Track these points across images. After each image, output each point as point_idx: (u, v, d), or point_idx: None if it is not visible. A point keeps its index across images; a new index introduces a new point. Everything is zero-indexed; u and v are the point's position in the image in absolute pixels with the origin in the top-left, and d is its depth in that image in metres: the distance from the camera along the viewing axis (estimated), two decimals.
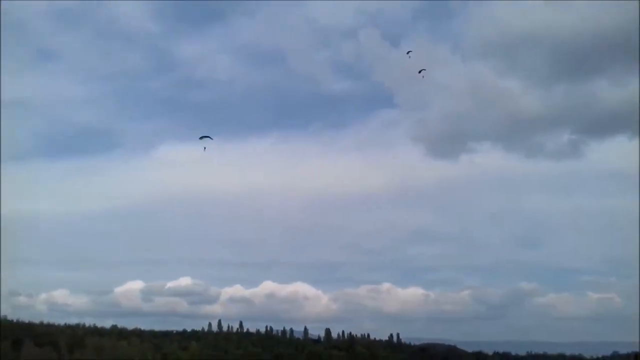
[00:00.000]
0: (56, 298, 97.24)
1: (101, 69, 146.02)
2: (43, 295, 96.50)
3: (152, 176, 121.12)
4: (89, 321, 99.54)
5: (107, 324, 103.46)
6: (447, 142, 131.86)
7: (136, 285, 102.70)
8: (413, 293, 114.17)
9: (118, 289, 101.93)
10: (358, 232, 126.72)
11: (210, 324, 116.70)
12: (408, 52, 62.53)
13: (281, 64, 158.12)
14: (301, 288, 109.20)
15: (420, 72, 61.45)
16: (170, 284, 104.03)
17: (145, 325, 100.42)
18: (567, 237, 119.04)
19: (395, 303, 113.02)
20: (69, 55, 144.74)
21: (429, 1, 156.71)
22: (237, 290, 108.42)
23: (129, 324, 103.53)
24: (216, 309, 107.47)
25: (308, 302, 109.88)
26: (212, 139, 54.28)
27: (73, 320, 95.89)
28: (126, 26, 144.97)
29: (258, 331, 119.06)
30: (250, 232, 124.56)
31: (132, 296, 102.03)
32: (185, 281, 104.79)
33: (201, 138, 54.62)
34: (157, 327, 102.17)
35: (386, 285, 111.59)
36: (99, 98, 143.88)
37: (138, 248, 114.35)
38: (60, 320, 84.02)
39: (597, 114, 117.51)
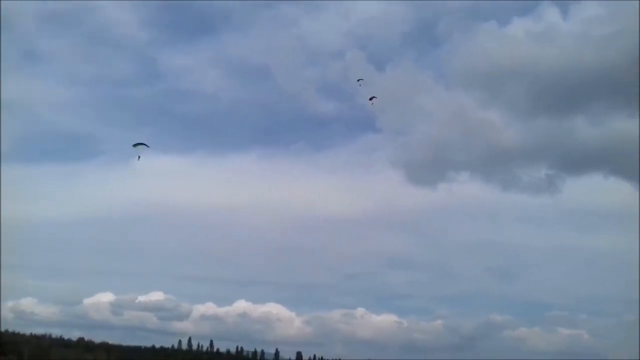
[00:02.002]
0: (23, 306, 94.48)
1: (87, 74, 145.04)
2: (10, 303, 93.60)
3: (131, 186, 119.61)
4: (55, 332, 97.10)
5: (74, 335, 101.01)
6: (427, 169, 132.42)
7: (106, 297, 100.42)
8: (386, 320, 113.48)
9: (87, 300, 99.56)
10: (335, 255, 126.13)
11: (180, 341, 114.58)
12: (358, 80, 62.04)
13: (268, 81, 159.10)
14: (275, 309, 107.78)
15: (358, 80, 60.96)
16: (141, 298, 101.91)
17: (113, 338, 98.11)
18: (540, 270, 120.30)
19: (368, 329, 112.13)
20: (56, 58, 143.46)
21: (417, 27, 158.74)
22: (209, 307, 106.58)
23: (97, 337, 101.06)
24: (187, 326, 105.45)
25: (281, 324, 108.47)
26: (148, 146, 48.66)
27: (40, 330, 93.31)
28: (115, 32, 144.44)
29: (228, 351, 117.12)
30: (226, 249, 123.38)
31: (102, 308, 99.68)
32: (156, 295, 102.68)
33: (135, 145, 47.55)
34: (126, 341, 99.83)
35: (360, 311, 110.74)
36: (83, 103, 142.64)
37: (111, 259, 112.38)
38: (26, 330, 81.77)
39: (575, 150, 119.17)
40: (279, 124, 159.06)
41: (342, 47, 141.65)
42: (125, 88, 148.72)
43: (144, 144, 47.49)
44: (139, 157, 47.02)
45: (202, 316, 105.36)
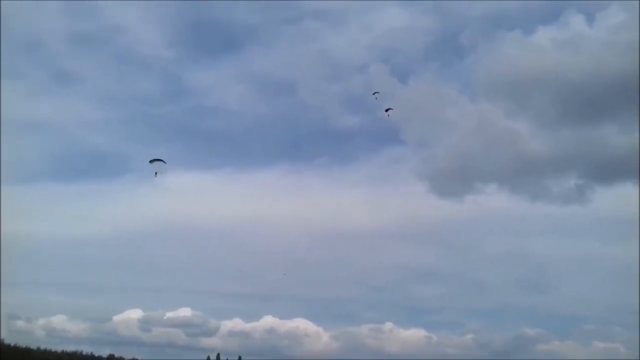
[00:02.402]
0: (55, 324, 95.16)
1: (116, 94, 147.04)
2: (42, 321, 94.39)
3: (158, 203, 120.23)
4: (86, 349, 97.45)
5: (104, 352, 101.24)
6: (453, 181, 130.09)
7: (135, 314, 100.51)
8: (415, 334, 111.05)
9: (117, 317, 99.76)
10: (362, 269, 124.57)
11: (208, 357, 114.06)
12: (374, 93, 61.18)
13: (292, 96, 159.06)
14: (302, 324, 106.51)
15: (374, 94, 60.12)
16: (169, 314, 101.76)
17: (142, 355, 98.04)
18: (571, 282, 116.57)
19: (397, 344, 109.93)
20: (85, 78, 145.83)
21: (440, 39, 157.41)
22: (236, 323, 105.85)
23: (127, 354, 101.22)
24: (215, 342, 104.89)
25: (308, 339, 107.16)
26: (165, 162, 47.15)
27: (71, 347, 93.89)
28: (142, 52, 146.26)
29: None
30: (253, 264, 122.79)
31: (131, 325, 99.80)
32: (184, 312, 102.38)
33: (152, 161, 46.62)
34: (155, 357, 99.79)
35: (388, 325, 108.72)
36: (112, 122, 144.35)
37: (139, 275, 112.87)
38: (58, 347, 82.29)
39: (605, 159, 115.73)
40: (304, 138, 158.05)
41: (365, 61, 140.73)
42: (152, 106, 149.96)
43: (161, 160, 46.95)
44: (156, 173, 46.53)
45: (230, 332, 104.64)
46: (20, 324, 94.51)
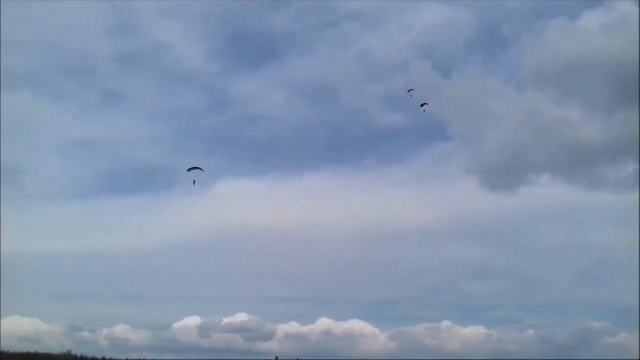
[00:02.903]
0: (117, 333, 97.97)
1: (162, 109, 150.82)
2: (105, 331, 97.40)
3: (209, 212, 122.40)
4: (148, 356, 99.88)
5: (166, 359, 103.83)
6: (505, 174, 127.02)
7: (194, 321, 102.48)
8: (474, 332, 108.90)
9: (176, 325, 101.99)
10: (414, 268, 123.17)
11: None
12: (409, 91, 59.97)
13: (334, 100, 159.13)
14: (358, 325, 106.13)
15: (409, 91, 58.69)
16: (226, 320, 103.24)
17: None
18: (634, 272, 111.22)
19: (456, 342, 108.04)
20: (132, 96, 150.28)
21: (482, 31, 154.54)
22: (292, 326, 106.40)
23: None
24: (272, 346, 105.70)
25: (365, 340, 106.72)
26: (202, 170, 46.51)
27: (134, 356, 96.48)
28: (185, 67, 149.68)
29: None
30: (305, 267, 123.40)
31: (190, 332, 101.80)
32: (241, 317, 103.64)
33: (190, 170, 46.46)
34: None
35: (446, 324, 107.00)
36: (160, 137, 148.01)
37: (196, 284, 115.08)
38: (121, 356, 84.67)
39: None
40: (348, 140, 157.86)
41: (406, 59, 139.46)
42: (198, 119, 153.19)
43: (199, 168, 46.90)
44: (195, 182, 46.38)
45: (287, 335, 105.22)
46: (85, 335, 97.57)
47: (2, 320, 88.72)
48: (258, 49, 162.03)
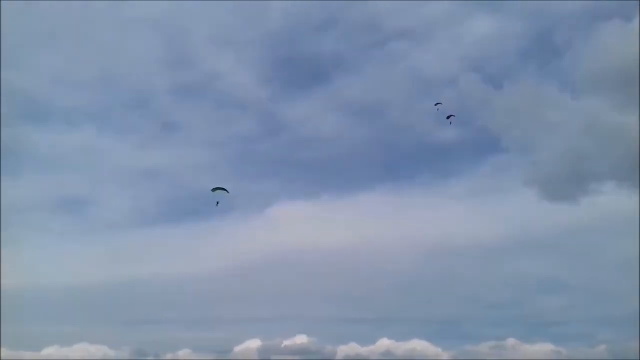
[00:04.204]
0: (180, 357, 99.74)
1: (217, 137, 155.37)
2: (169, 355, 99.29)
3: (266, 235, 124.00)
4: None
5: None
6: (565, 184, 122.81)
7: (254, 343, 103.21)
8: (542, 349, 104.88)
9: (237, 348, 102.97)
10: (475, 284, 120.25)
11: None
12: (436, 104, 58.56)
13: (384, 118, 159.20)
14: (419, 345, 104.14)
15: (436, 105, 56.97)
16: (286, 342, 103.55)
17: None
18: None
19: None
20: (189, 126, 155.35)
21: (533, 40, 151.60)
22: (352, 348, 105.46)
23: None
24: None
25: None
26: (227, 191, 45.84)
27: None
28: (238, 94, 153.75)
29: None
30: (363, 287, 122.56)
31: (251, 354, 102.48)
32: (300, 339, 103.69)
33: (214, 190, 46.23)
34: None
35: (511, 341, 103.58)
36: (217, 163, 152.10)
37: (255, 306, 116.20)
38: None
39: None
40: (401, 158, 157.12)
41: (455, 73, 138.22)
42: (253, 144, 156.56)
43: (224, 189, 46.63)
44: (218, 202, 46.10)
45: (347, 356, 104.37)
46: (150, 358, 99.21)
47: (72, 347, 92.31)
48: (307, 71, 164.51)
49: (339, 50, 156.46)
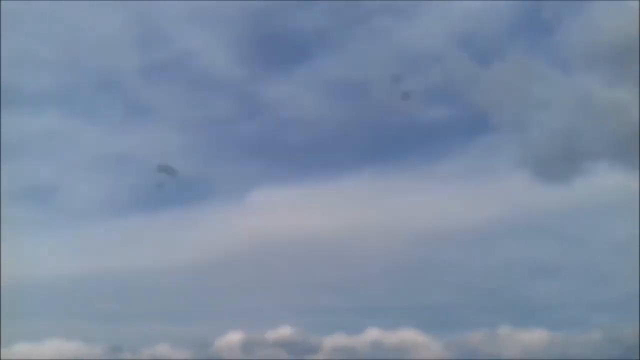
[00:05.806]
0: (159, 352, 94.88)
1: (192, 119, 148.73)
2: (146, 350, 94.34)
3: (246, 222, 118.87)
4: None
5: None
6: (557, 163, 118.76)
7: (236, 335, 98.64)
8: (535, 335, 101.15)
9: (218, 341, 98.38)
10: (466, 270, 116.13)
11: None
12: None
13: (369, 97, 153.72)
14: (409, 334, 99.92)
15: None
16: (270, 333, 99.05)
17: None
18: None
19: (515, 347, 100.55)
20: (161, 107, 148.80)
21: (522, 16, 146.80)
22: (339, 338, 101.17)
23: None
24: (319, 359, 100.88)
25: (418, 349, 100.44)
26: (176, 172, 39.93)
27: None
28: (214, 74, 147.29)
29: None
30: (350, 274, 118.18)
31: (233, 347, 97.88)
32: (284, 330, 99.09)
33: (161, 170, 39.77)
34: None
35: (504, 328, 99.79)
36: (191, 147, 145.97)
37: (236, 297, 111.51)
38: None
39: None
40: (387, 139, 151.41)
41: (443, 49, 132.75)
42: (230, 126, 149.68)
43: (172, 170, 40.01)
44: (161, 184, 39.94)
45: (333, 347, 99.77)
46: (126, 355, 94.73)
47: (43, 343, 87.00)
48: (287, 49, 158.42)
49: (320, 27, 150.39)
